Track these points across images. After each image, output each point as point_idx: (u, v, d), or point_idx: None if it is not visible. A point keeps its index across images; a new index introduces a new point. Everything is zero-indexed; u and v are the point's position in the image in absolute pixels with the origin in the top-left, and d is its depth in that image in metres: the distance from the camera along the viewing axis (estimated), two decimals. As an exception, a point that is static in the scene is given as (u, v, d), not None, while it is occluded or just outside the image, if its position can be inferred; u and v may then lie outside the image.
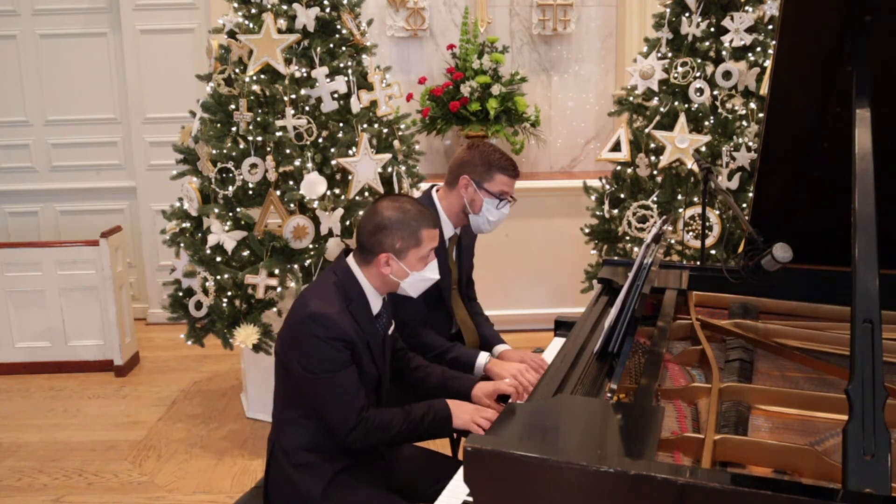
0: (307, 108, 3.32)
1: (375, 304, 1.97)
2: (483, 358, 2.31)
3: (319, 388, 1.85)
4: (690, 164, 3.58)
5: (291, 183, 3.30)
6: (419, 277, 1.95)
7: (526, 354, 2.37)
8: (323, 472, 1.91)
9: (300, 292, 2.22)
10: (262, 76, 3.29)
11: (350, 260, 1.97)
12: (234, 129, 3.29)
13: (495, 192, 2.38)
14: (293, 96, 3.27)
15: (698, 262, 2.98)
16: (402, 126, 3.67)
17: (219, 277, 3.26)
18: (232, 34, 3.39)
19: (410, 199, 1.98)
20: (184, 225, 3.43)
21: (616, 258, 3.47)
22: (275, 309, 3.32)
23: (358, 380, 1.89)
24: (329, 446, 1.92)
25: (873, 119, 1.46)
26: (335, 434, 1.87)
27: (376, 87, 3.42)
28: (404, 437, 1.93)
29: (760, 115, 3.57)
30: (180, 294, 3.49)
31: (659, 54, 3.68)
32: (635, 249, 3.67)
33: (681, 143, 3.56)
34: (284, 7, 3.30)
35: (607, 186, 3.85)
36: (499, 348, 2.52)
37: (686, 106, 3.62)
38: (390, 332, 2.08)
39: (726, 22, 3.59)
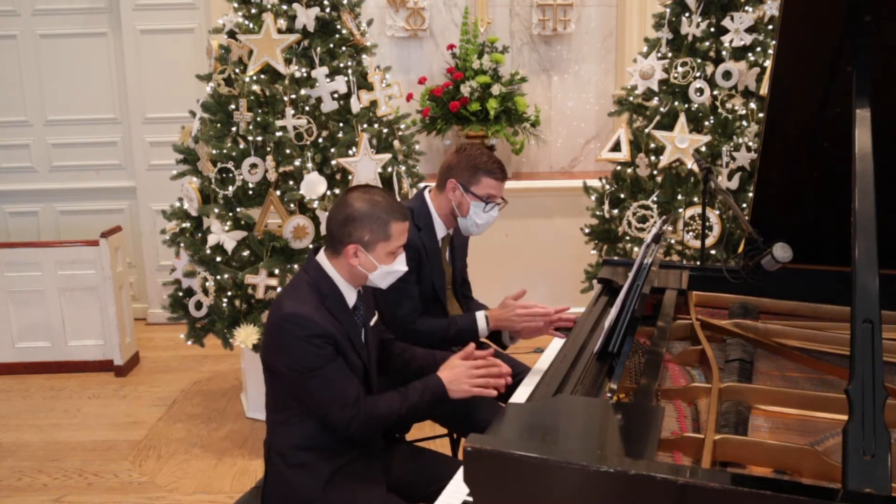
0: (307, 108, 3.33)
1: (350, 296, 1.96)
2: (481, 317, 2.36)
3: (310, 386, 1.84)
4: (690, 164, 3.58)
5: (291, 183, 3.30)
6: (387, 270, 1.94)
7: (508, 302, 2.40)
8: (320, 472, 1.90)
9: (276, 296, 2.21)
10: (262, 76, 3.29)
11: (321, 256, 1.96)
12: (234, 129, 3.29)
13: (482, 195, 2.38)
14: (293, 96, 3.27)
15: (698, 262, 2.98)
16: (402, 126, 3.67)
17: (219, 277, 3.26)
18: (232, 34, 3.39)
19: (382, 192, 1.96)
20: (184, 225, 3.43)
21: (616, 258, 3.47)
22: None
23: (348, 372, 1.88)
24: (324, 445, 1.91)
25: (873, 119, 1.46)
26: (336, 429, 1.86)
27: (376, 87, 3.42)
28: (407, 419, 1.94)
29: (760, 115, 3.57)
30: (180, 294, 3.49)
31: (659, 54, 3.68)
32: (635, 249, 3.67)
33: (681, 143, 3.56)
34: (284, 7, 3.30)
35: (607, 186, 3.85)
36: (480, 315, 2.49)
37: (686, 106, 3.62)
38: (372, 323, 2.06)
39: (726, 22, 3.59)
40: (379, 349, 2.14)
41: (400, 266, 1.96)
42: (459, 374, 1.96)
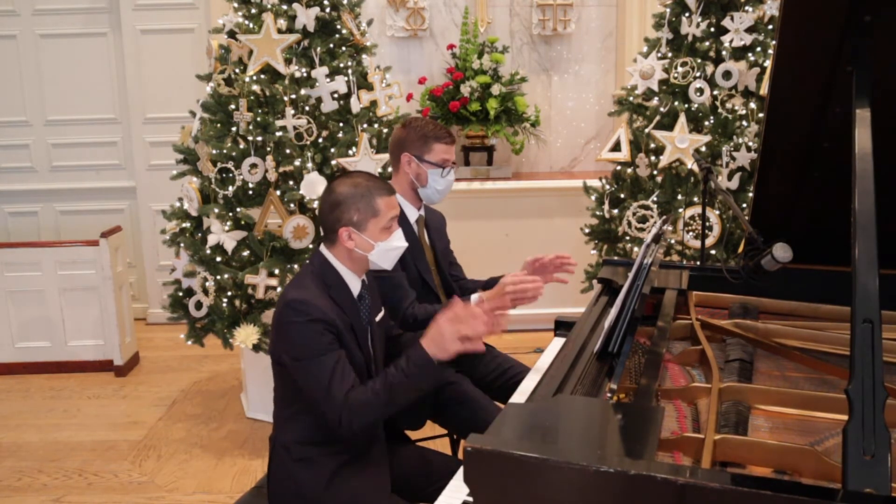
0: (307, 108, 3.33)
1: (355, 286, 1.96)
2: (475, 299, 2.32)
3: (307, 374, 1.82)
4: (690, 164, 3.58)
5: (291, 183, 3.30)
6: (386, 247, 1.93)
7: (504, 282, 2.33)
8: (323, 468, 1.90)
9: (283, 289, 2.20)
10: (262, 76, 3.29)
11: (323, 248, 1.97)
12: (234, 129, 3.29)
13: (437, 161, 2.41)
14: (293, 96, 3.27)
15: (698, 262, 2.98)
16: (402, 126, 3.67)
17: (219, 277, 3.26)
18: (232, 34, 3.39)
19: (364, 174, 1.97)
20: (184, 225, 3.43)
21: (616, 258, 3.47)
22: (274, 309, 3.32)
23: (347, 365, 1.84)
24: (328, 440, 1.90)
25: (873, 119, 1.46)
26: (328, 422, 1.82)
27: (376, 87, 3.42)
28: (400, 397, 1.80)
29: (760, 115, 3.57)
30: (180, 294, 3.49)
31: (659, 54, 3.68)
32: (635, 249, 3.67)
33: (681, 143, 3.56)
34: (284, 7, 3.30)
35: (607, 186, 3.85)
36: (475, 297, 2.43)
37: (686, 106, 3.62)
38: (379, 318, 2.05)
39: (726, 22, 3.59)
40: (387, 346, 2.12)
41: (398, 242, 1.96)
42: (442, 334, 1.77)
